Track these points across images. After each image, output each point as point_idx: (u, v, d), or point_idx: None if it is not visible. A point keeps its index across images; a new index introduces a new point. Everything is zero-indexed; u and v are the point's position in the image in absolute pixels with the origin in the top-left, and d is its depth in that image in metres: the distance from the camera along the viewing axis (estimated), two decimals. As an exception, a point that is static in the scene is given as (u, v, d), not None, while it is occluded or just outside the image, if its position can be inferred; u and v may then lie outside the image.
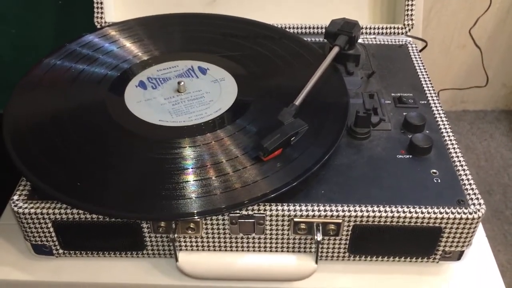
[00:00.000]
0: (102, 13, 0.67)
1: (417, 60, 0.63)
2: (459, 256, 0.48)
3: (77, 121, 0.50)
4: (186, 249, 0.48)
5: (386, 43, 0.66)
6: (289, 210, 0.45)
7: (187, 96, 0.54)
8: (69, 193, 0.44)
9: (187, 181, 0.45)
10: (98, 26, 0.67)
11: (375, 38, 0.67)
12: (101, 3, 0.67)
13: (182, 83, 0.55)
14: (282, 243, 0.47)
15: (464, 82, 1.34)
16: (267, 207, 0.45)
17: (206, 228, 0.46)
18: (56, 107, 0.52)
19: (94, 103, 0.52)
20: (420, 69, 0.62)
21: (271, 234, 0.47)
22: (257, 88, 0.56)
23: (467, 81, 1.34)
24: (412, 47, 0.65)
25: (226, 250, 0.48)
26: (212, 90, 0.55)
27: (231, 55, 0.60)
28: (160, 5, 0.71)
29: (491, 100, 1.46)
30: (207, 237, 0.47)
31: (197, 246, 0.48)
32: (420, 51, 0.80)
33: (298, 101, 0.51)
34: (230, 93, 0.55)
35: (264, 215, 0.45)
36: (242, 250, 0.48)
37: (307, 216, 0.45)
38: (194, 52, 0.60)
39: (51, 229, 0.46)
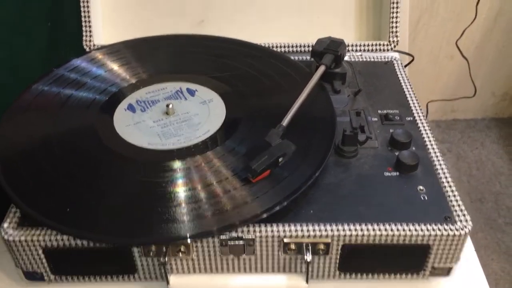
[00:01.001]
0: (90, 36, 0.68)
1: (402, 77, 0.64)
2: (448, 271, 0.48)
3: (66, 146, 0.51)
4: (178, 272, 0.48)
5: (372, 60, 0.67)
6: (278, 231, 0.45)
7: (176, 119, 0.55)
8: (58, 220, 0.44)
9: (178, 205, 0.45)
10: (87, 49, 0.68)
11: (361, 55, 0.68)
12: (90, 26, 0.68)
13: (171, 105, 0.55)
14: (273, 263, 0.48)
15: (453, 92, 1.36)
16: (257, 228, 0.45)
17: (197, 251, 0.46)
18: (45, 133, 0.52)
19: (83, 128, 0.52)
20: (406, 85, 0.62)
21: (261, 254, 0.47)
22: (246, 108, 0.56)
23: (456, 91, 1.35)
24: (397, 63, 0.66)
25: (217, 271, 0.48)
26: (201, 112, 0.56)
27: (219, 76, 0.60)
28: (149, 26, 0.72)
29: (480, 108, 1.48)
30: (198, 259, 0.47)
31: (188, 268, 0.48)
32: (407, 65, 0.81)
33: (285, 122, 0.51)
34: (219, 115, 0.56)
35: (254, 236, 0.45)
36: (233, 271, 0.48)
37: (297, 236, 0.45)
38: (182, 73, 0.61)
39: (42, 256, 0.46)
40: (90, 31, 0.68)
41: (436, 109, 1.41)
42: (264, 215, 0.44)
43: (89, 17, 0.68)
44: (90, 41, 0.68)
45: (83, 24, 0.68)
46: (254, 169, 0.46)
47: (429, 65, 1.32)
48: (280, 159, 0.48)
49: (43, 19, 0.83)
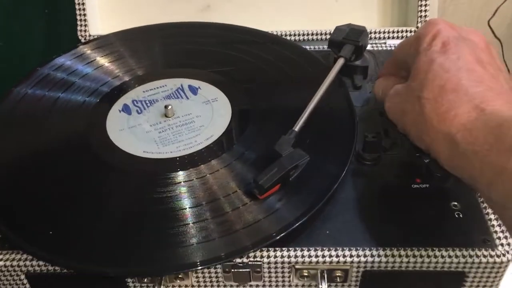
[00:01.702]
0: (86, 25, 0.62)
1: (432, 68, 0.57)
2: (485, 300, 0.42)
3: (52, 158, 0.45)
4: (176, 299, 0.43)
5: (398, 48, 0.60)
6: (289, 256, 0.39)
7: (176, 122, 0.49)
8: (40, 245, 0.39)
9: (178, 226, 0.40)
10: (83, 40, 0.62)
11: (385, 43, 0.61)
12: (85, 14, 0.62)
13: (170, 106, 0.49)
14: (283, 290, 0.42)
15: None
16: (264, 253, 0.40)
17: (197, 277, 0.41)
18: (29, 144, 0.47)
19: (72, 136, 0.47)
20: (436, 78, 0.55)
21: (270, 281, 0.41)
22: (254, 107, 0.50)
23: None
24: (426, 52, 0.59)
25: (220, 299, 0.43)
26: (203, 113, 0.50)
27: (225, 71, 0.54)
28: (150, 14, 0.65)
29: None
30: (199, 286, 0.42)
31: (188, 295, 0.43)
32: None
33: (297, 127, 0.45)
34: (223, 116, 0.49)
35: (261, 262, 0.39)
36: (239, 299, 0.43)
37: (310, 262, 0.39)
38: (183, 68, 0.55)
39: (25, 281, 0.41)
40: (85, 20, 0.62)
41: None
42: (281, 235, 0.38)
43: (83, 4, 0.62)
44: (85, 31, 0.62)
45: (77, 12, 0.62)
46: (261, 185, 0.40)
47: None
48: (291, 172, 0.42)
49: (40, 6, 0.78)
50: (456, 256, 0.39)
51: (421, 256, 0.39)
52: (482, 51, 0.37)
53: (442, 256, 0.39)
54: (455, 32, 0.38)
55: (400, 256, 0.39)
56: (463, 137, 0.33)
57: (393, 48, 0.60)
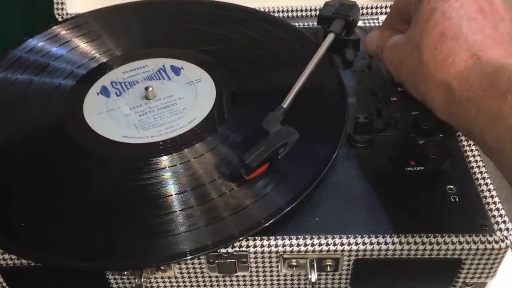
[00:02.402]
0: (62, 3, 0.59)
1: (427, 44, 0.54)
2: (482, 287, 0.40)
3: (26, 145, 0.43)
4: (159, 290, 0.41)
5: (391, 24, 0.57)
6: (276, 245, 0.37)
7: (157, 104, 0.46)
8: (9, 237, 0.36)
9: (161, 215, 0.37)
10: (60, 19, 0.59)
11: (377, 19, 0.58)
12: (61, -8, 0.59)
13: (151, 88, 0.47)
14: (271, 280, 0.40)
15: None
16: (251, 242, 0.37)
17: (180, 268, 0.39)
18: (0, 130, 0.44)
19: (46, 121, 0.44)
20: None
21: (257, 271, 0.39)
22: (240, 88, 0.47)
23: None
24: (420, 28, 0.56)
25: (205, 290, 0.41)
26: (186, 95, 0.47)
27: (208, 50, 0.51)
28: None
29: None
30: (182, 277, 0.40)
31: (171, 287, 0.40)
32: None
33: (286, 103, 0.42)
34: (208, 97, 0.47)
35: (247, 252, 0.37)
36: (225, 289, 0.41)
37: (299, 251, 0.37)
38: (165, 47, 0.52)
39: (-1, 275, 0.39)
40: (61, -3, 0.59)
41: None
42: (271, 221, 0.36)
43: (60, -20, 0.58)
44: (62, 9, 0.59)
45: (53, -13, 0.59)
46: (248, 164, 0.38)
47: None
48: (281, 150, 0.40)
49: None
50: (453, 243, 0.37)
51: (415, 243, 0.37)
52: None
53: (438, 243, 0.37)
54: None
55: (393, 243, 0.37)
56: (459, 84, 0.33)
57: (386, 24, 0.57)
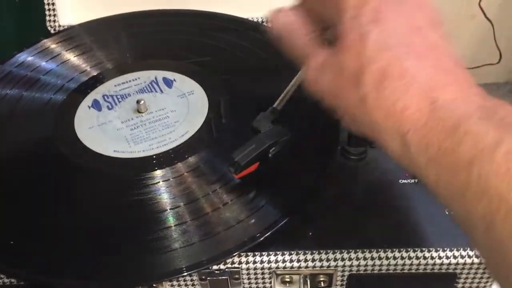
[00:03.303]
0: (55, 15, 0.59)
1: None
2: (478, 300, 0.40)
3: (15, 160, 0.42)
4: (151, 307, 0.40)
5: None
6: (269, 261, 0.37)
7: (149, 118, 0.46)
8: (2, 257, 0.36)
9: (153, 232, 0.37)
10: (52, 31, 0.59)
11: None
12: (53, 4, 0.58)
13: (142, 101, 0.46)
14: (265, 296, 0.40)
15: (475, 58, 1.24)
16: (243, 259, 0.37)
17: (172, 285, 0.38)
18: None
19: (36, 136, 0.44)
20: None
21: (250, 287, 0.39)
22: (232, 100, 0.47)
23: (479, 56, 1.23)
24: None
25: (198, 306, 0.40)
26: (179, 108, 0.47)
27: (201, 61, 0.51)
28: (123, 3, 0.61)
29: (504, 71, 1.36)
30: (174, 294, 0.39)
31: (163, 304, 0.40)
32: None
33: (279, 105, 0.42)
34: (200, 110, 0.46)
35: (239, 268, 0.37)
36: (218, 306, 0.40)
37: (292, 267, 0.37)
38: (157, 59, 0.51)
39: (-12, 294, 0.39)
40: (54, 10, 0.58)
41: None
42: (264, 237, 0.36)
43: (52, -8, 0.58)
44: (54, 21, 0.59)
45: (45, 1, 0.58)
46: (237, 162, 0.37)
47: (448, 28, 1.19)
48: (271, 149, 0.39)
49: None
50: (447, 257, 0.36)
51: (409, 258, 0.36)
52: (418, 10, 0.30)
53: (432, 257, 0.36)
54: None
55: (387, 258, 0.36)
56: (415, 138, 0.27)
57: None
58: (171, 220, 0.38)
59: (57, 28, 0.59)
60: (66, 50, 0.51)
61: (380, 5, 0.30)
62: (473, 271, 0.37)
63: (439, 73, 0.28)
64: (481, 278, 0.37)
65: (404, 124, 0.27)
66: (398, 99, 0.28)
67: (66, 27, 0.58)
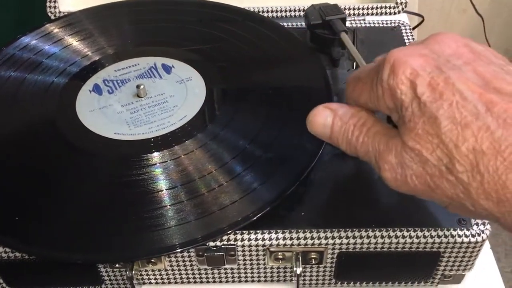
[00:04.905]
0: (55, 1, 0.60)
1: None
2: (460, 278, 0.42)
3: (18, 142, 0.44)
4: (150, 282, 0.42)
5: (377, 25, 0.58)
6: (263, 239, 0.39)
7: (148, 102, 0.47)
8: (6, 232, 0.38)
9: (152, 210, 0.39)
10: (52, 17, 0.60)
11: (364, 19, 0.59)
12: (54, -10, 0.59)
13: (142, 86, 0.48)
14: (258, 272, 0.42)
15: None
16: (238, 236, 0.39)
17: (170, 261, 0.40)
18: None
19: (39, 118, 0.45)
20: (415, 55, 0.54)
21: (244, 264, 0.41)
22: (229, 86, 0.49)
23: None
24: (405, 29, 0.58)
25: (195, 282, 0.42)
26: (177, 93, 0.48)
27: (199, 49, 0.52)
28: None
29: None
30: (172, 270, 0.41)
31: (161, 279, 0.42)
32: (416, 27, 0.73)
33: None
34: (198, 95, 0.48)
35: (235, 246, 0.39)
36: (213, 282, 0.42)
37: (285, 245, 0.39)
38: (157, 46, 0.53)
39: (-7, 268, 0.40)
40: (54, -4, 0.59)
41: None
42: (257, 216, 0.38)
43: (52, -22, 0.59)
44: (55, 7, 0.60)
45: (46, -13, 0.59)
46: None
47: (439, 23, 1.21)
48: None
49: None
50: (431, 237, 0.38)
51: (396, 237, 0.38)
52: (474, 61, 0.28)
53: (417, 237, 0.38)
54: (426, 55, 0.28)
55: (375, 237, 0.38)
56: None
57: (372, 24, 0.58)
58: (168, 200, 0.40)
59: (57, 14, 0.60)
60: (69, 35, 0.52)
61: (431, 76, 0.27)
62: (456, 250, 0.39)
63: None
64: (463, 257, 0.40)
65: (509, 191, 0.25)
66: (504, 183, 0.25)
67: (65, 13, 0.60)
